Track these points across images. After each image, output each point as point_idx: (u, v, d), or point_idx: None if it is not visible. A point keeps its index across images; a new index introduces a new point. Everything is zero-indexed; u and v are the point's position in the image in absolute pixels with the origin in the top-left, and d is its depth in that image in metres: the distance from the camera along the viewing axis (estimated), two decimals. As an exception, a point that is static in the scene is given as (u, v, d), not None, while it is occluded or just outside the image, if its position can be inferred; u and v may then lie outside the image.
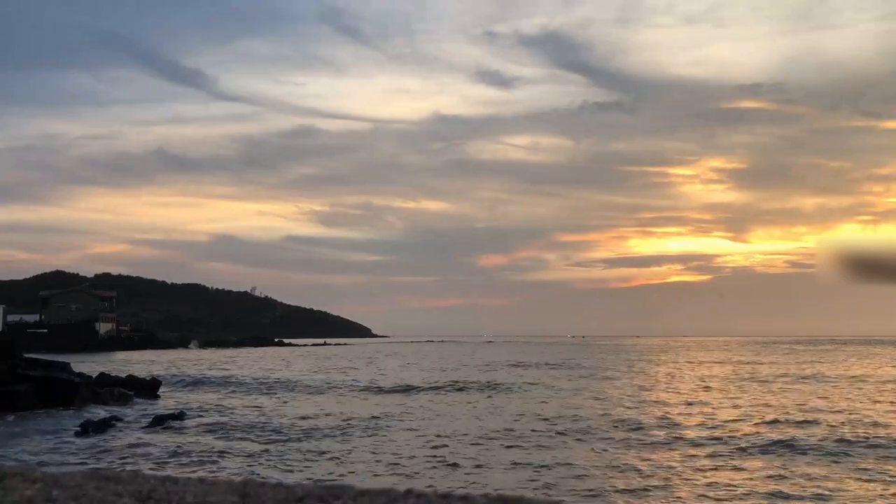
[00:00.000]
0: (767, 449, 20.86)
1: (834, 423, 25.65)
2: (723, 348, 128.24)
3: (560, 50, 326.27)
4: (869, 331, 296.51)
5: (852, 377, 50.12)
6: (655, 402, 34.00)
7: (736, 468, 18.52)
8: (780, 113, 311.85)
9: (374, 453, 21.06)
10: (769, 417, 27.41)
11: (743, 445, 21.44)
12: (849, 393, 38.34)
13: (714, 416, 28.33)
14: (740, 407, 31.49)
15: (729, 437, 23.10)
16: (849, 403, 32.91)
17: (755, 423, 25.87)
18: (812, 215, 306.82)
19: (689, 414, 29.12)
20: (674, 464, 18.96)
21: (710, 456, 20.00)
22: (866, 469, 18.20)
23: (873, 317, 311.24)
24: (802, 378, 49.32)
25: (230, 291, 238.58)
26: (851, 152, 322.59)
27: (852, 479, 17.17)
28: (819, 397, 35.74)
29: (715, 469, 18.40)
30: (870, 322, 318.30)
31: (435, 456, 20.25)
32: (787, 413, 28.76)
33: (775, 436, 22.94)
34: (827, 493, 15.77)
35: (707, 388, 41.36)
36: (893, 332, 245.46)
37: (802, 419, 26.76)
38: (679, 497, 15.57)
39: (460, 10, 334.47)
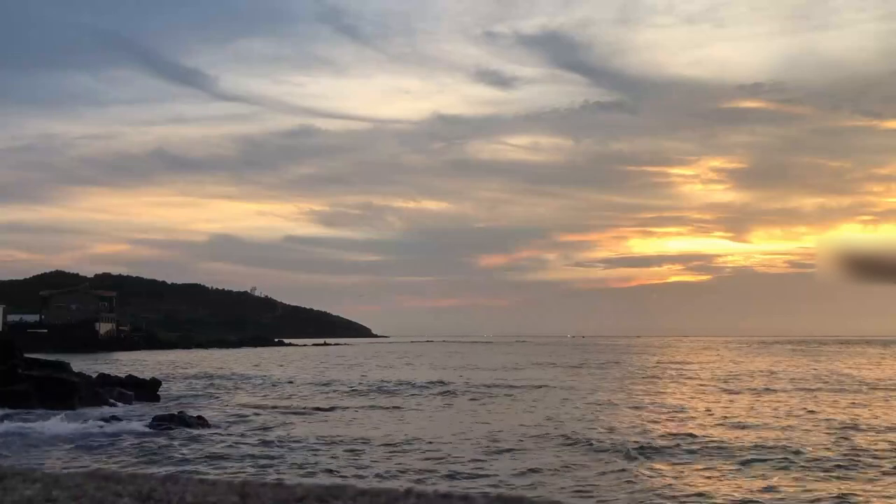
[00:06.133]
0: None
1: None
2: (706, 349, 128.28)
3: (560, 50, 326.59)
4: (869, 331, 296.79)
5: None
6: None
7: None
8: (780, 113, 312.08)
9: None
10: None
11: None
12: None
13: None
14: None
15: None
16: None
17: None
18: (812, 215, 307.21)
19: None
20: None
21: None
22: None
23: (873, 317, 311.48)
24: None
25: (230, 291, 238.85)
26: (851, 152, 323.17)
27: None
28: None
29: None
30: (870, 322, 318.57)
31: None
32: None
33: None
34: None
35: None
36: (893, 333, 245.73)
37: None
38: None
39: (460, 10, 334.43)
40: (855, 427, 25.34)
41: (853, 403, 33.54)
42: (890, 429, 24.92)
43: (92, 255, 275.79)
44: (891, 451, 20.54)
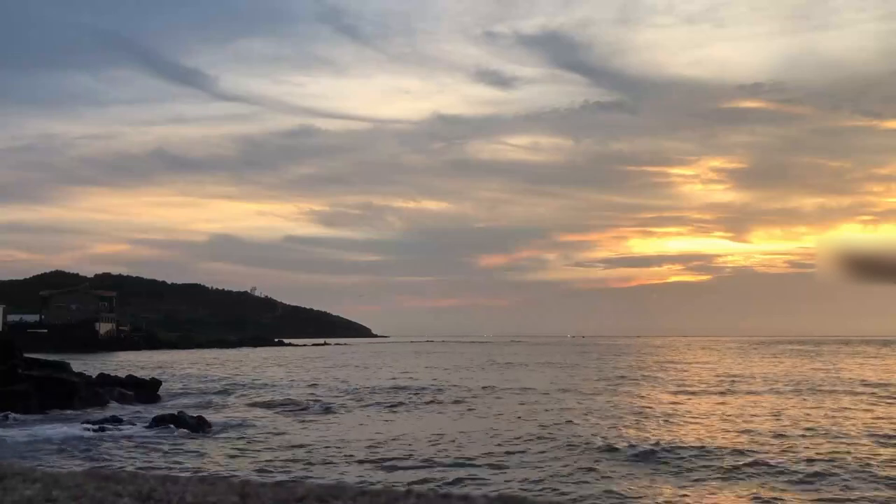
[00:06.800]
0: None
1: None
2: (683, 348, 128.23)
3: (560, 50, 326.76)
4: (869, 331, 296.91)
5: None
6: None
7: None
8: (780, 113, 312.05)
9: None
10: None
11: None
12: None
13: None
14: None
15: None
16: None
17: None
18: (812, 215, 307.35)
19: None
20: None
21: None
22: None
23: (873, 317, 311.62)
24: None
25: (230, 291, 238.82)
26: (851, 152, 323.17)
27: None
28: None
29: None
30: (870, 322, 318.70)
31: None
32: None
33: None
34: None
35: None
36: (893, 333, 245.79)
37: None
38: None
39: (460, 10, 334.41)
40: (835, 432, 24.40)
41: (842, 407, 32.64)
42: (867, 434, 24.11)
43: (92, 255, 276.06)
44: (867, 460, 19.61)
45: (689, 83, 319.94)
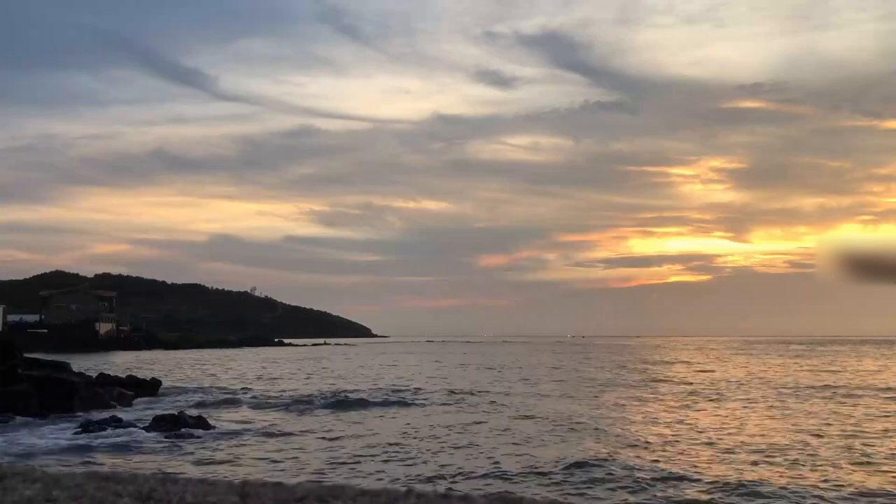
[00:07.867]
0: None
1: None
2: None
3: (560, 50, 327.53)
4: (869, 331, 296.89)
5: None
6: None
7: None
8: (780, 113, 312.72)
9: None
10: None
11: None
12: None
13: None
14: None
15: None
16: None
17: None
18: (812, 215, 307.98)
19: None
20: None
21: None
22: None
23: (873, 317, 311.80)
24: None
25: (230, 291, 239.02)
26: (851, 152, 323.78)
27: None
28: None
29: None
30: (870, 322, 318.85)
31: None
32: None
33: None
34: None
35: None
36: (893, 333, 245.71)
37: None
38: None
39: (460, 10, 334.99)
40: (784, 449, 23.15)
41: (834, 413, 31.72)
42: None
43: (92, 255, 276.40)
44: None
45: (689, 83, 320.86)
